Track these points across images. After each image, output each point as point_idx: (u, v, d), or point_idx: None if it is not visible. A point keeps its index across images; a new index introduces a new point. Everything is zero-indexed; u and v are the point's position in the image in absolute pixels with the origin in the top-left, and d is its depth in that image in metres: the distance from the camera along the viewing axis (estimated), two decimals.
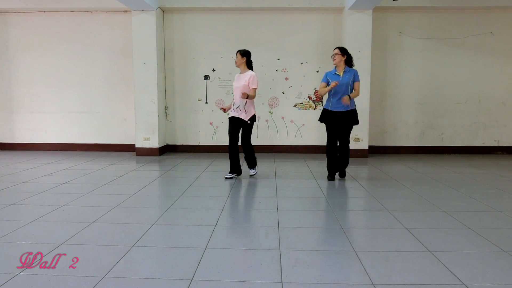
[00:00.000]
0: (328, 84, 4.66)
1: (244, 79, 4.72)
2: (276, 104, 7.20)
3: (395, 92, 7.13)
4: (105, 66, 7.23)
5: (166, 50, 7.19)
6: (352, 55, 4.74)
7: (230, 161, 4.87)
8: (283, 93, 7.16)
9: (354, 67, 4.79)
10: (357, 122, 4.75)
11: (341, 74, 4.64)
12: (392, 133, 7.22)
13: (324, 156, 5.11)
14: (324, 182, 4.76)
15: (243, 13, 7.02)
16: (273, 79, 7.14)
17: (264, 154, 7.07)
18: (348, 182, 4.76)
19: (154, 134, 6.87)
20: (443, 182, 4.78)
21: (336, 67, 4.71)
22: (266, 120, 7.24)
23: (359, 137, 6.70)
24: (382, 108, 7.15)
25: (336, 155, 4.82)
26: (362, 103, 6.59)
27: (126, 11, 6.99)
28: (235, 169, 4.90)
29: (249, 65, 4.81)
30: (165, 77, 7.23)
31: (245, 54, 4.76)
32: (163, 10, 7.04)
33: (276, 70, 7.13)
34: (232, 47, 7.04)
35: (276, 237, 2.86)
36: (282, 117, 7.21)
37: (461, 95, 7.11)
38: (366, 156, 6.72)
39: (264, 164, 5.98)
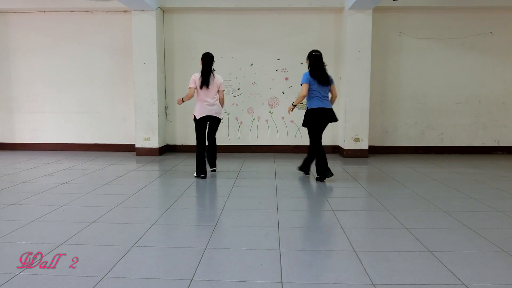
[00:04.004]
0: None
1: None
2: (276, 104, 7.20)
3: (395, 92, 7.13)
4: (105, 66, 7.23)
5: (166, 50, 7.19)
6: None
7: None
8: (283, 93, 7.16)
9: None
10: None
11: None
12: (392, 133, 7.22)
13: None
14: (324, 182, 4.75)
15: (243, 13, 7.02)
16: (273, 79, 7.14)
17: (264, 154, 7.08)
18: (348, 182, 4.76)
19: (154, 134, 6.87)
20: (443, 182, 4.77)
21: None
22: (266, 120, 7.24)
23: (359, 137, 6.69)
24: (382, 108, 7.15)
25: None
26: (362, 103, 6.60)
27: (126, 11, 6.99)
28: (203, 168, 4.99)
29: (203, 67, 4.84)
30: (165, 77, 7.23)
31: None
32: (163, 10, 7.04)
33: (276, 70, 7.13)
34: (232, 47, 7.07)
35: (276, 237, 2.86)
36: (282, 117, 7.21)
37: (461, 95, 7.11)
38: (366, 156, 6.72)
39: (264, 164, 5.99)
